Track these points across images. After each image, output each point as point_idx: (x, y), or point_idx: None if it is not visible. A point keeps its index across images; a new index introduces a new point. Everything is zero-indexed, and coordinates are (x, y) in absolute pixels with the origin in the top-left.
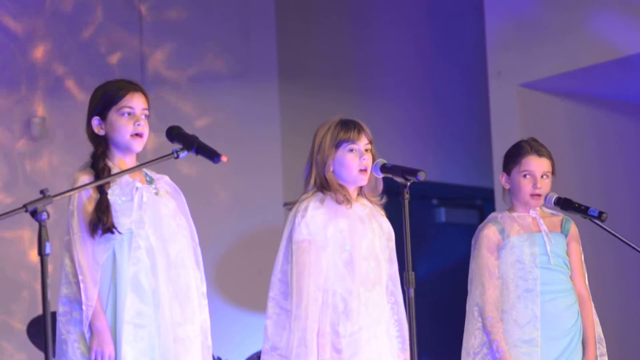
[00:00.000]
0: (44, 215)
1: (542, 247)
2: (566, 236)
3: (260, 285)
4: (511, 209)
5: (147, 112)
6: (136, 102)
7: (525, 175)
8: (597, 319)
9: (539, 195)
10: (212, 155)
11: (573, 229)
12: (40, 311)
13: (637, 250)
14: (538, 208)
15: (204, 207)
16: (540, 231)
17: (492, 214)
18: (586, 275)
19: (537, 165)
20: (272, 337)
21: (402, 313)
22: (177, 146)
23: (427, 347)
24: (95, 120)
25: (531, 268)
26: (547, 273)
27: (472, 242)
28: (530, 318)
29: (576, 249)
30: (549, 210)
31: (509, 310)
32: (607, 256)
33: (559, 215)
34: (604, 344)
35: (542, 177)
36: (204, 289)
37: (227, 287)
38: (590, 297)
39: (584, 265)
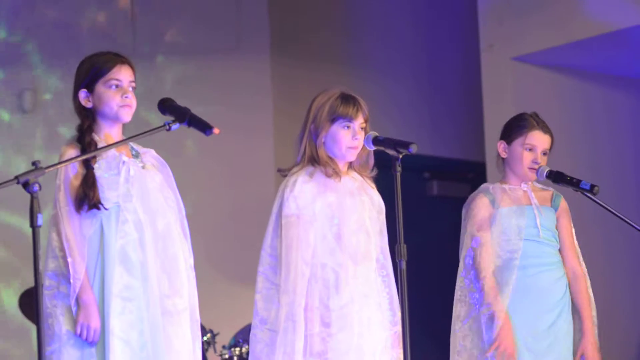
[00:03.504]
0: (36, 187)
1: (532, 219)
2: (556, 210)
3: (251, 257)
4: (503, 180)
5: (134, 84)
6: (123, 75)
7: (528, 149)
8: (593, 297)
9: (536, 169)
10: (204, 127)
11: (563, 204)
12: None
13: (629, 223)
14: (530, 182)
15: (195, 178)
16: (530, 204)
17: (484, 185)
18: (580, 251)
19: (541, 141)
20: (262, 312)
21: (392, 285)
22: (169, 118)
23: (418, 318)
24: (82, 93)
25: (515, 240)
26: (536, 246)
27: (463, 212)
28: (504, 290)
29: (566, 224)
30: (540, 185)
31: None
32: (594, 229)
33: (550, 190)
34: (597, 322)
35: (542, 153)
36: (192, 261)
37: (217, 259)
38: (586, 273)
39: (575, 240)
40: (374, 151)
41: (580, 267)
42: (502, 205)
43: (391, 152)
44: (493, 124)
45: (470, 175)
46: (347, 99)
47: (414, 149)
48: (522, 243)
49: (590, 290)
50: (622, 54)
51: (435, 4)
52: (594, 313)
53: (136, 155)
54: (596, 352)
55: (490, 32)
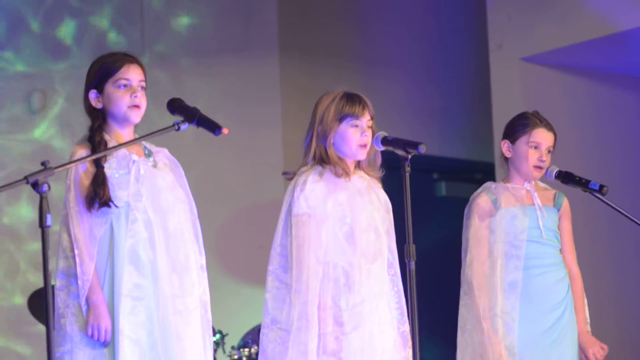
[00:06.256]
0: (45, 187)
1: (535, 220)
2: (558, 210)
3: (260, 258)
4: (507, 179)
5: (144, 83)
6: (132, 74)
7: (533, 147)
8: (586, 299)
9: (541, 167)
10: (213, 127)
11: (565, 203)
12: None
13: (638, 223)
14: (532, 182)
15: (205, 179)
16: (533, 204)
17: (487, 184)
18: (574, 251)
19: (545, 138)
20: (273, 311)
21: (400, 285)
22: (179, 118)
23: (426, 319)
24: (92, 94)
25: (519, 241)
26: (538, 247)
27: (465, 211)
28: (512, 290)
29: (567, 224)
30: (542, 184)
31: (493, 281)
32: (603, 229)
33: (552, 190)
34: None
35: (547, 151)
36: (203, 261)
37: (227, 260)
38: (580, 274)
39: (572, 241)
40: (383, 151)
41: (576, 268)
42: (505, 205)
43: (400, 152)
44: (502, 124)
45: (479, 176)
46: (352, 97)
47: (423, 149)
48: (525, 244)
49: (583, 291)
50: (632, 53)
51: (443, 5)
52: (587, 315)
53: (148, 154)
54: (596, 344)
55: (498, 32)
